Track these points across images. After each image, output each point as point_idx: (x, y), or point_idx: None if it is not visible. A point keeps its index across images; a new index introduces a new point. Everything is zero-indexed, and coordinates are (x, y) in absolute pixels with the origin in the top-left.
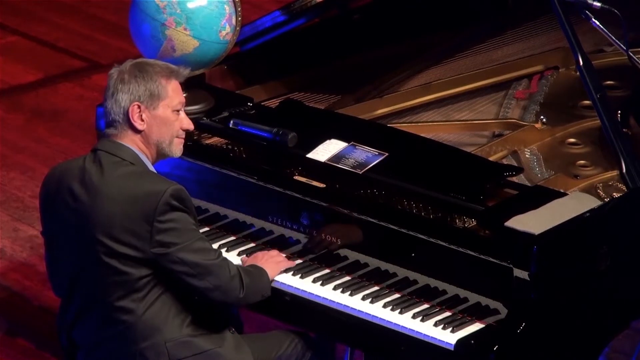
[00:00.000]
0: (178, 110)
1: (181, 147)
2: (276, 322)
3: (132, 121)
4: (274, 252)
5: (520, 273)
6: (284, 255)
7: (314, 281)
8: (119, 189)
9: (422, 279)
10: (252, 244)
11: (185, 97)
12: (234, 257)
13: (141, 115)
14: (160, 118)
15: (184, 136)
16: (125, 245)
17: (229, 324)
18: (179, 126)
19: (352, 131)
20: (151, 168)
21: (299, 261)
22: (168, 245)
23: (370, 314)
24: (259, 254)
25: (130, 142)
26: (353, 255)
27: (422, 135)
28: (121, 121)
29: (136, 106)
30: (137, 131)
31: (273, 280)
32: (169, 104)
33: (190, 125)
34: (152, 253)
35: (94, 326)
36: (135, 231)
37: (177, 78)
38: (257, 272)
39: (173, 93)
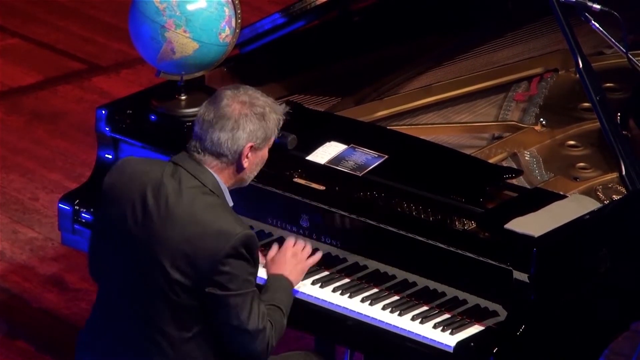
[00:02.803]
0: None
1: None
2: None
3: (241, 160)
4: (302, 255)
5: (519, 275)
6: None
7: (313, 283)
8: (193, 217)
9: (422, 281)
10: None
11: (185, 100)
12: None
13: (248, 155)
14: (261, 157)
15: None
16: (182, 274)
17: None
18: None
19: (351, 133)
20: (228, 198)
21: None
22: (222, 287)
23: (369, 316)
24: (288, 257)
25: (216, 170)
26: (352, 258)
27: (421, 137)
28: (229, 157)
29: (250, 147)
30: (240, 169)
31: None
32: (270, 144)
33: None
34: (205, 290)
35: (129, 344)
36: (196, 265)
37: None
38: (286, 300)
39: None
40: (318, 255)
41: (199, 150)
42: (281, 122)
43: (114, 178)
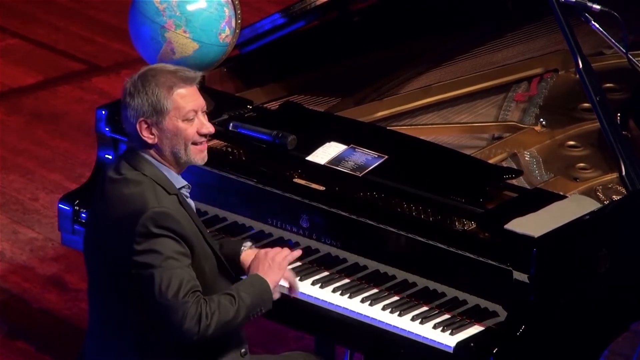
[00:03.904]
0: (191, 118)
1: (203, 154)
2: (274, 324)
3: (142, 137)
4: (279, 257)
5: (519, 275)
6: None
7: (313, 284)
8: (116, 200)
9: (422, 282)
10: None
11: None
12: None
13: (150, 130)
14: (169, 130)
15: (203, 141)
16: (110, 259)
17: (236, 345)
18: (193, 133)
19: (351, 134)
20: (173, 177)
21: (298, 263)
22: (144, 266)
23: (369, 317)
24: (261, 257)
25: (149, 154)
26: (352, 258)
27: (421, 137)
28: (133, 135)
29: (143, 122)
30: (149, 145)
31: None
32: (176, 115)
33: (208, 129)
34: (131, 272)
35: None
36: (118, 247)
37: (186, 84)
38: (248, 290)
39: (182, 102)
40: (297, 252)
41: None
42: (174, 90)
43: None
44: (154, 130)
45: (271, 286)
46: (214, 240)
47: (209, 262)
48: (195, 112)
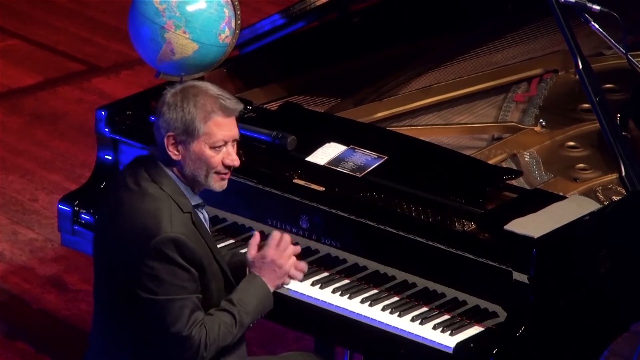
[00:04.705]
0: (219, 146)
1: (223, 183)
2: (274, 324)
3: (167, 151)
4: (282, 259)
5: (519, 276)
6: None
7: (313, 284)
8: (130, 214)
9: (421, 282)
10: None
11: None
12: None
13: (177, 147)
14: (194, 153)
15: (226, 172)
16: (116, 273)
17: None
18: (218, 162)
19: (351, 134)
20: (190, 195)
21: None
22: (147, 290)
23: (369, 317)
24: (268, 261)
25: (170, 168)
26: (352, 258)
27: (421, 138)
28: (159, 145)
29: (171, 137)
30: (172, 160)
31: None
32: (206, 141)
33: (232, 162)
34: (133, 291)
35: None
36: (124, 263)
37: (225, 114)
38: (253, 303)
39: (216, 129)
40: (303, 266)
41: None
42: (211, 116)
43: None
44: (180, 148)
45: (272, 290)
46: (223, 258)
47: (216, 280)
48: (226, 142)
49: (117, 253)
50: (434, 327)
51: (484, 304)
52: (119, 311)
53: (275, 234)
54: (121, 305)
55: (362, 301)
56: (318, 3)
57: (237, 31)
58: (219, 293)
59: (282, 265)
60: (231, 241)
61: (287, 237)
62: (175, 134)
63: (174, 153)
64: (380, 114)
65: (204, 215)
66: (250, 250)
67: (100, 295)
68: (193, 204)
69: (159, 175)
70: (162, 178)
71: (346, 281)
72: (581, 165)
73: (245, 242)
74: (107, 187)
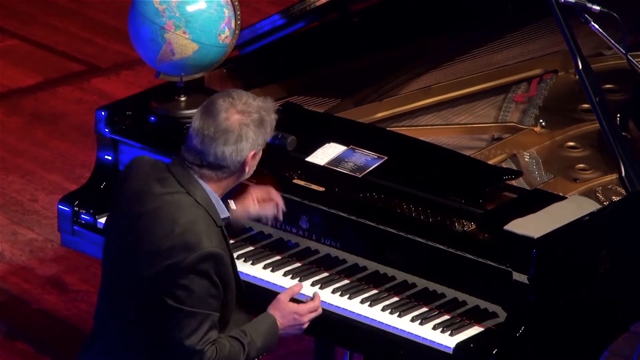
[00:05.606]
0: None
1: None
2: None
3: (245, 168)
4: (304, 317)
5: (519, 276)
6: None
7: (313, 285)
8: (167, 226)
9: (421, 282)
10: (251, 247)
11: (184, 101)
12: None
13: (250, 162)
14: (256, 161)
15: None
16: (143, 279)
17: None
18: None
19: (351, 134)
20: (221, 209)
21: (297, 264)
22: (177, 300)
23: (369, 317)
24: (290, 311)
25: (213, 181)
26: (352, 259)
27: (421, 138)
28: (231, 167)
29: (253, 154)
30: (242, 176)
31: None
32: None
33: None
34: (160, 297)
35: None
36: (158, 272)
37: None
38: (261, 340)
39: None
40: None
41: (200, 163)
42: (275, 122)
43: (124, 175)
44: (251, 162)
45: (280, 333)
46: (237, 270)
47: (232, 293)
48: None
49: (150, 262)
50: (434, 328)
51: (483, 304)
52: (133, 313)
53: (317, 299)
54: (141, 309)
55: (362, 301)
56: (318, 3)
57: (237, 31)
58: (232, 306)
59: (303, 323)
60: (231, 241)
61: (319, 304)
62: (257, 150)
63: (246, 168)
64: (380, 114)
65: None
66: (286, 293)
67: (112, 297)
68: (222, 216)
69: (192, 186)
70: (195, 189)
71: (346, 281)
72: (581, 165)
73: (244, 242)
74: (121, 191)
